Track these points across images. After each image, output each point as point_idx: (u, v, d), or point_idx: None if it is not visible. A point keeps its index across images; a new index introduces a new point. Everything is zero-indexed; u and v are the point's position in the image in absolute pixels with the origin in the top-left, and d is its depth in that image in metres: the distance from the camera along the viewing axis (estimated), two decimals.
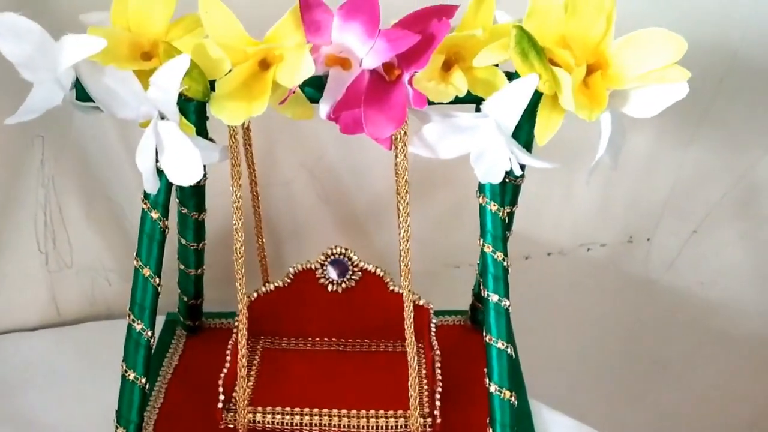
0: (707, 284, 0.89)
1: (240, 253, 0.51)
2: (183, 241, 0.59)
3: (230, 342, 0.59)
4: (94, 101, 0.47)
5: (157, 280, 0.51)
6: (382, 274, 0.62)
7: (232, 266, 0.70)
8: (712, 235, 0.84)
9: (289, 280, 0.62)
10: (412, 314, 0.53)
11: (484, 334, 0.52)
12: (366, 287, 0.62)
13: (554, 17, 0.46)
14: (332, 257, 0.61)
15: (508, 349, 0.52)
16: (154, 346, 0.52)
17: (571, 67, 0.45)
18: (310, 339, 0.64)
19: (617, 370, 0.94)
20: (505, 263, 0.51)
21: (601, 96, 0.46)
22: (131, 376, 0.51)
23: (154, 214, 0.50)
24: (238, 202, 0.50)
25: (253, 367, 0.59)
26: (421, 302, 0.62)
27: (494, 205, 0.51)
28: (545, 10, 0.45)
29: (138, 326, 0.50)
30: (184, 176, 0.46)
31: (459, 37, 0.45)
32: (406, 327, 0.53)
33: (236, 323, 0.62)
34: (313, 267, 0.61)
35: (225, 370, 0.56)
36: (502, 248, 0.51)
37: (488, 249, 0.51)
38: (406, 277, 0.52)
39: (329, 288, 0.62)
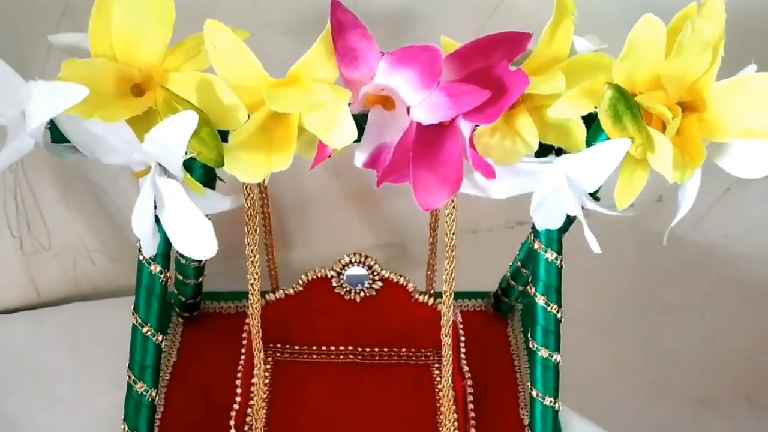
0: (731, 237, 0.85)
1: (255, 309, 0.44)
2: (182, 261, 0.52)
3: (240, 365, 0.53)
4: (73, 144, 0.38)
5: (160, 338, 0.44)
6: (404, 282, 0.55)
7: (235, 240, 0.63)
8: (746, 191, 0.79)
9: (301, 288, 0.55)
10: (451, 357, 0.47)
11: (530, 388, 0.47)
12: (387, 297, 0.56)
13: (651, 57, 0.37)
14: (350, 265, 0.54)
15: (555, 405, 0.47)
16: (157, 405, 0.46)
17: (667, 119, 0.37)
18: (324, 348, 0.58)
19: (626, 319, 0.91)
20: (558, 315, 0.45)
21: (697, 149, 0.39)
22: None
23: (154, 267, 0.42)
24: (254, 256, 0.43)
25: (265, 386, 0.54)
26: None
27: (551, 254, 0.44)
28: (643, 51, 0.36)
29: (140, 388, 0.44)
30: (193, 250, 0.37)
31: (535, 89, 0.36)
32: (443, 367, 0.47)
33: (243, 339, 0.56)
34: (328, 275, 0.55)
35: (236, 406, 0.51)
36: (557, 300, 0.45)
37: (541, 300, 0.45)
38: (447, 322, 0.46)
39: (346, 297, 0.56)
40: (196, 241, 0.37)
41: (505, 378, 0.60)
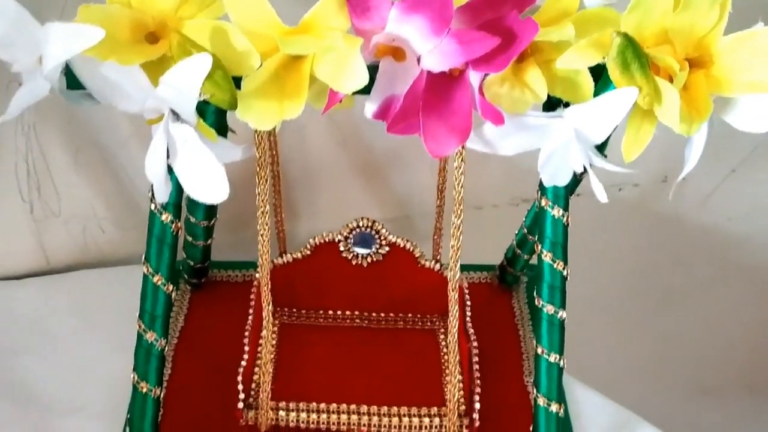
0: (735, 220, 0.85)
1: (265, 272, 0.45)
2: (192, 219, 0.52)
3: (247, 326, 0.54)
4: (88, 90, 0.39)
5: (170, 287, 0.44)
6: (411, 248, 0.56)
7: (242, 211, 0.64)
8: (751, 173, 0.79)
9: (308, 252, 0.56)
10: (458, 312, 0.48)
11: (535, 344, 0.47)
12: (394, 262, 0.56)
13: (660, 10, 0.37)
14: (357, 230, 0.55)
15: (560, 362, 0.47)
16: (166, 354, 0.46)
17: (675, 71, 0.38)
18: (331, 313, 0.59)
19: (629, 302, 0.91)
20: (564, 272, 0.46)
21: (704, 103, 0.39)
22: (144, 387, 0.46)
23: (165, 217, 0.43)
24: (264, 207, 0.43)
25: (271, 364, 0.54)
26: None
27: (558, 210, 0.45)
28: (652, 4, 0.37)
29: (150, 337, 0.45)
30: (205, 194, 0.38)
31: (545, 36, 0.37)
32: (449, 323, 0.48)
33: (251, 300, 0.56)
34: (335, 239, 0.55)
35: (243, 363, 0.51)
36: (563, 256, 0.45)
37: (547, 257, 0.45)
38: (454, 287, 0.46)
39: (353, 261, 0.56)
40: (209, 184, 0.37)
41: (509, 347, 0.61)
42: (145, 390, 0.46)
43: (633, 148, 0.40)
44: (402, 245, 0.56)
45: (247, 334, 0.53)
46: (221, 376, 0.54)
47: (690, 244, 0.86)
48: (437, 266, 0.56)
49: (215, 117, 0.40)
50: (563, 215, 0.45)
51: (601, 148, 0.44)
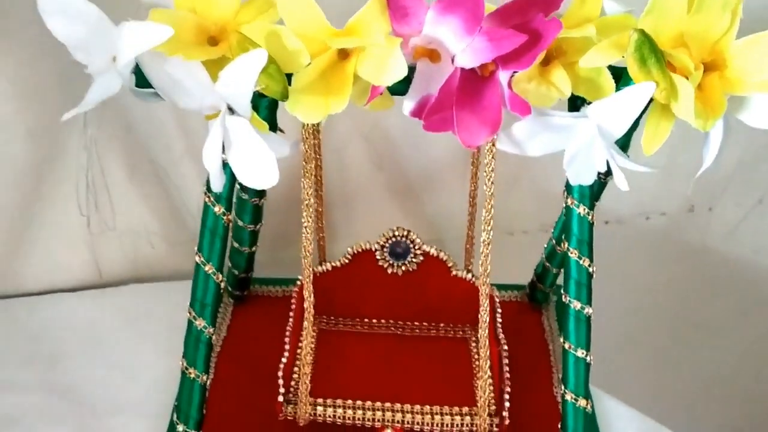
0: (762, 252, 0.86)
1: (308, 251, 0.48)
2: (239, 223, 0.56)
3: (288, 326, 0.56)
4: (154, 88, 0.43)
5: (220, 277, 0.47)
6: (445, 258, 0.58)
7: (284, 230, 0.67)
8: None
9: (347, 260, 0.59)
10: (488, 308, 0.50)
11: (562, 340, 0.49)
12: (427, 271, 0.59)
13: (675, 14, 0.41)
14: (393, 239, 0.58)
15: (587, 358, 0.49)
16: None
17: (690, 71, 0.41)
18: (366, 320, 0.61)
19: (660, 333, 0.92)
20: (590, 269, 0.48)
21: (718, 102, 0.42)
22: (192, 373, 0.49)
23: (218, 209, 0.46)
24: (309, 199, 0.47)
25: (310, 360, 0.57)
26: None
27: (583, 209, 0.47)
28: (667, 7, 0.40)
29: (199, 324, 0.48)
30: (257, 180, 0.42)
31: (568, 35, 0.40)
32: (480, 322, 0.50)
33: (293, 296, 0.59)
34: (372, 248, 0.58)
35: (284, 360, 0.54)
36: (588, 253, 0.48)
37: (573, 254, 0.48)
38: (484, 282, 0.49)
39: (389, 270, 0.59)
40: (260, 171, 0.41)
41: (539, 360, 0.62)
42: (193, 376, 0.49)
43: (652, 143, 0.42)
44: (435, 255, 0.58)
45: (287, 334, 0.56)
46: (262, 379, 0.57)
47: (718, 277, 0.87)
48: (469, 276, 0.59)
49: (267, 113, 0.44)
50: (588, 213, 0.47)
51: (623, 148, 0.47)
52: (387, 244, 0.58)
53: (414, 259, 0.59)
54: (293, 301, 0.59)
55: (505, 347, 0.56)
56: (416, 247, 0.58)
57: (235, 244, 0.59)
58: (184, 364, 0.49)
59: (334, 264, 0.59)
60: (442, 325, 0.61)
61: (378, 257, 0.59)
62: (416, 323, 0.61)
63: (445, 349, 0.59)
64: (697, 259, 0.85)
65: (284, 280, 0.68)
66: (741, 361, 0.95)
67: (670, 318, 0.89)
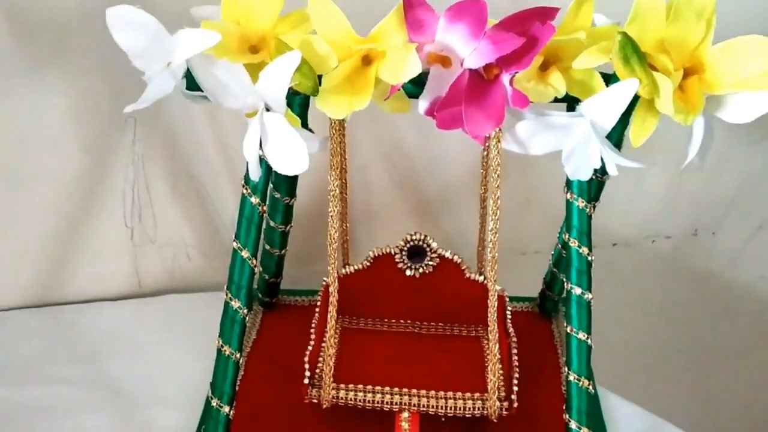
0: None
1: (334, 238, 0.53)
2: (271, 224, 0.61)
3: (314, 320, 0.61)
4: (202, 91, 0.49)
5: (254, 261, 0.53)
6: (459, 260, 0.63)
7: (309, 246, 0.73)
8: None
9: (368, 263, 0.64)
10: (496, 303, 0.55)
11: (565, 324, 0.54)
12: (443, 273, 0.64)
13: (655, 22, 0.47)
14: (411, 243, 0.63)
15: (588, 340, 0.53)
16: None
17: (670, 71, 0.46)
18: (386, 320, 0.66)
19: (672, 358, 0.95)
20: (589, 258, 0.53)
21: (697, 100, 0.47)
22: (227, 351, 0.54)
23: (254, 200, 0.52)
24: (335, 190, 0.52)
25: (334, 345, 0.62)
26: (497, 289, 0.63)
27: (582, 202, 0.52)
28: (647, 16, 0.46)
29: (235, 304, 0.53)
30: (290, 166, 0.48)
31: (561, 40, 0.46)
32: (489, 314, 0.55)
33: (318, 301, 0.64)
34: (392, 252, 0.63)
35: (310, 347, 0.59)
36: (587, 243, 0.53)
37: (574, 243, 0.53)
38: (492, 267, 0.54)
39: (407, 273, 0.64)
40: (293, 158, 0.47)
41: (548, 361, 0.66)
42: (227, 353, 0.54)
43: (639, 136, 0.48)
44: (450, 257, 0.63)
45: (313, 327, 0.61)
46: (289, 371, 0.61)
47: (725, 301, 0.90)
48: (481, 278, 0.64)
49: (299, 110, 0.50)
50: (587, 207, 0.52)
51: (617, 146, 0.52)
52: (405, 248, 0.64)
53: (430, 262, 0.64)
54: (319, 298, 0.64)
55: (515, 339, 0.60)
56: (432, 251, 0.63)
57: (267, 246, 0.64)
58: (220, 342, 0.54)
59: (357, 267, 0.64)
60: (456, 325, 0.65)
61: (397, 260, 0.64)
62: (432, 323, 0.66)
63: (459, 345, 0.64)
64: (704, 283, 0.88)
65: (311, 291, 0.73)
66: (754, 389, 0.97)
67: (683, 341, 0.92)
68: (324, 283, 0.64)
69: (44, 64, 0.63)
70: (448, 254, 0.63)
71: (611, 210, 0.81)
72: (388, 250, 0.64)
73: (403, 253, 0.64)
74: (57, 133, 0.67)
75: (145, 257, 0.75)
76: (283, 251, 0.65)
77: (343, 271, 0.65)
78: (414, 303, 0.65)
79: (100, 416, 0.64)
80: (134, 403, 0.65)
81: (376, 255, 0.64)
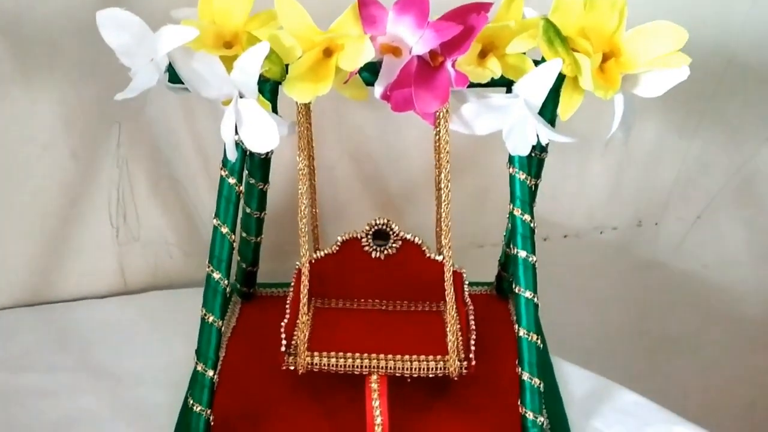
0: (710, 267, 0.96)
1: (304, 213, 0.59)
2: (247, 210, 0.67)
3: (288, 299, 0.67)
4: (183, 83, 0.56)
5: (233, 237, 0.59)
6: (419, 242, 0.70)
7: (282, 241, 0.79)
8: (715, 221, 0.92)
9: (337, 248, 0.70)
10: (452, 278, 0.61)
11: (513, 285, 0.60)
12: (405, 254, 0.70)
13: (575, 12, 0.54)
14: (376, 227, 0.69)
15: (535, 299, 0.59)
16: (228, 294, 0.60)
17: (590, 53, 0.54)
18: (356, 300, 0.72)
19: (625, 348, 1.01)
20: (531, 224, 0.59)
21: (615, 79, 0.55)
22: (210, 318, 0.59)
23: (231, 180, 0.58)
24: (304, 169, 0.59)
25: (308, 316, 0.67)
26: (455, 267, 0.69)
27: (522, 174, 0.59)
28: (567, 7, 0.54)
29: (216, 275, 0.59)
30: (263, 144, 0.54)
31: (494, 27, 0.54)
32: (446, 285, 0.61)
33: (292, 284, 0.70)
34: (359, 236, 0.70)
35: (285, 320, 0.64)
36: (529, 211, 0.59)
37: (517, 212, 0.59)
38: (447, 245, 0.60)
39: (373, 255, 0.70)
40: (265, 136, 0.53)
41: (505, 334, 0.72)
42: (210, 320, 0.59)
43: (567, 110, 0.55)
44: (411, 239, 0.70)
45: (288, 303, 0.66)
46: (267, 348, 0.66)
47: (672, 291, 0.96)
48: (440, 257, 0.70)
49: (269, 96, 0.57)
50: (528, 179, 0.59)
51: (551, 123, 0.59)
52: (371, 232, 0.70)
53: (394, 245, 0.70)
54: (293, 279, 0.69)
55: (471, 308, 0.66)
56: (395, 234, 0.70)
57: (243, 234, 0.70)
58: (204, 311, 0.59)
59: (326, 252, 0.70)
60: (420, 301, 0.72)
61: (363, 243, 0.70)
62: (398, 301, 0.72)
63: (422, 318, 0.70)
64: (652, 272, 0.95)
65: (286, 284, 0.78)
66: (705, 373, 1.03)
67: (633, 328, 0.99)
68: (297, 267, 0.70)
69: (35, 72, 0.69)
70: (409, 236, 0.70)
71: (561, 203, 0.88)
72: (355, 235, 0.70)
73: (369, 236, 0.70)
74: (47, 137, 0.73)
75: (129, 256, 0.80)
76: (258, 239, 0.71)
77: (314, 255, 0.70)
78: (380, 283, 0.71)
79: (91, 397, 0.68)
80: (122, 384, 0.70)
81: (344, 239, 0.70)
